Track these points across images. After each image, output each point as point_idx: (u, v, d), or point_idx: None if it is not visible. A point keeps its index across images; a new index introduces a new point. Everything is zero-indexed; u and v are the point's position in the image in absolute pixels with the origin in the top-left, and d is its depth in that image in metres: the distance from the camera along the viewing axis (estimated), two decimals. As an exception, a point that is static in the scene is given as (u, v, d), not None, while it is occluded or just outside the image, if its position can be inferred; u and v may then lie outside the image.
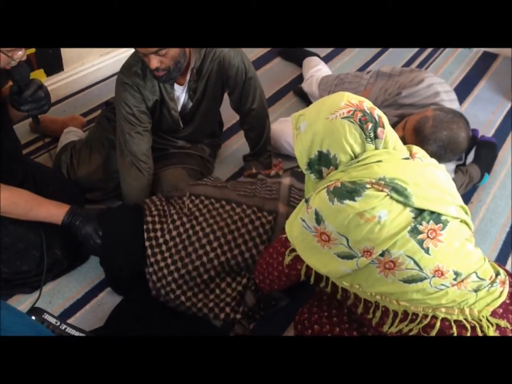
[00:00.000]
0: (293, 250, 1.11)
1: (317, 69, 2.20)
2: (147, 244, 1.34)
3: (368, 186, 0.97)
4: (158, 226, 1.36)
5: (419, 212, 0.98)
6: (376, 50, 2.61)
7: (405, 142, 1.43)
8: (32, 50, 1.97)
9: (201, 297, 1.34)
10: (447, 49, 2.64)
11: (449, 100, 1.60)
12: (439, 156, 1.40)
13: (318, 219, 1.00)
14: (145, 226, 1.36)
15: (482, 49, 2.64)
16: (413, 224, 0.96)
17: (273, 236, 1.33)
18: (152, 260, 1.32)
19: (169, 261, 1.32)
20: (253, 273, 1.33)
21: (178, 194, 1.45)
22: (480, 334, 0.99)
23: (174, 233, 1.34)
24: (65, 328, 1.28)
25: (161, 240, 1.34)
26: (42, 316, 1.30)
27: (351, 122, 0.99)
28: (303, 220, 1.04)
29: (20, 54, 1.19)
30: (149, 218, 1.37)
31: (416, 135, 1.40)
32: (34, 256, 1.39)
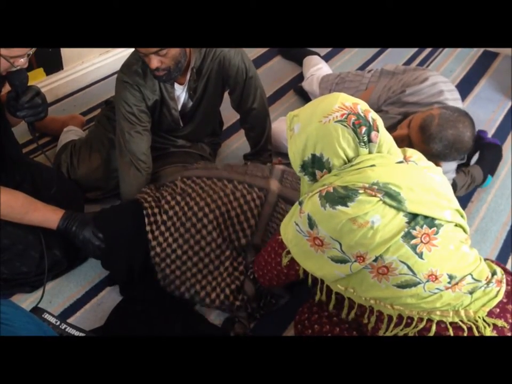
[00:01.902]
0: (290, 252, 1.10)
1: (317, 67, 2.20)
2: (148, 228, 1.36)
3: (360, 191, 0.97)
4: (156, 210, 1.38)
5: (412, 217, 0.97)
6: (377, 49, 2.60)
7: (410, 140, 1.43)
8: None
9: (206, 273, 1.35)
10: (447, 48, 2.63)
11: (453, 99, 1.60)
12: (444, 154, 1.39)
13: (311, 224, 1.00)
14: (144, 212, 1.38)
15: (482, 48, 2.63)
16: (406, 229, 0.96)
17: (263, 212, 1.37)
18: (154, 242, 1.35)
19: (170, 239, 1.34)
20: (251, 264, 1.34)
21: (169, 180, 1.48)
22: (477, 334, 0.99)
23: (171, 212, 1.36)
24: (65, 328, 1.28)
25: (159, 222, 1.36)
26: (43, 316, 1.30)
27: (345, 126, 0.99)
28: (297, 224, 1.04)
29: (22, 61, 1.18)
30: (146, 205, 1.40)
31: (422, 134, 1.40)
32: (33, 257, 1.39)
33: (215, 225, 1.34)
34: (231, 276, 1.35)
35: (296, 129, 1.05)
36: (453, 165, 1.58)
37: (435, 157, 1.39)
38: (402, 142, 1.45)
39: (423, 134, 1.40)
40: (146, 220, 1.36)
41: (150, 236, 1.35)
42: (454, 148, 1.39)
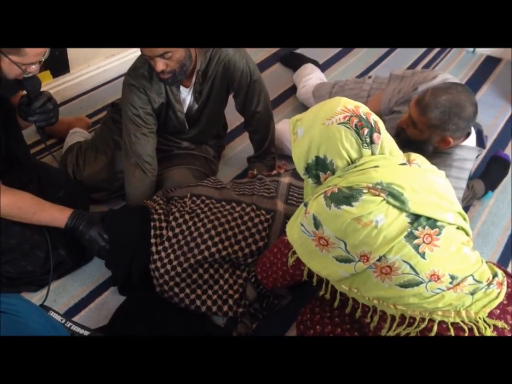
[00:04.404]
0: (295, 252, 1.12)
1: (308, 77, 2.21)
2: (153, 241, 1.36)
3: (365, 191, 0.98)
4: (164, 224, 1.39)
5: (415, 217, 0.99)
6: (378, 56, 2.62)
7: (412, 121, 1.44)
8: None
9: (206, 288, 1.36)
10: (450, 54, 2.65)
11: None
12: (445, 122, 1.38)
13: (316, 224, 1.02)
14: (152, 224, 1.38)
15: (485, 54, 2.65)
16: (409, 230, 0.98)
17: (271, 234, 1.37)
18: (156, 256, 1.35)
19: (172, 256, 1.34)
20: (253, 267, 1.35)
21: (178, 194, 1.48)
22: (477, 335, 1.00)
23: (177, 230, 1.36)
24: (71, 326, 1.29)
25: (164, 237, 1.36)
26: (48, 314, 1.31)
27: (347, 128, 1.01)
28: (302, 224, 1.05)
29: (34, 68, 1.21)
30: (156, 216, 1.40)
31: (418, 106, 1.41)
32: (39, 256, 1.41)
33: (220, 248, 1.34)
34: (233, 287, 1.36)
35: (299, 132, 1.07)
36: (472, 154, 1.53)
37: (438, 128, 1.39)
38: (407, 126, 1.46)
39: (419, 106, 1.41)
40: (152, 232, 1.37)
41: (153, 248, 1.36)
42: (452, 112, 1.37)
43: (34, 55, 1.17)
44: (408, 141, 1.45)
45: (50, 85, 2.10)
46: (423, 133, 1.43)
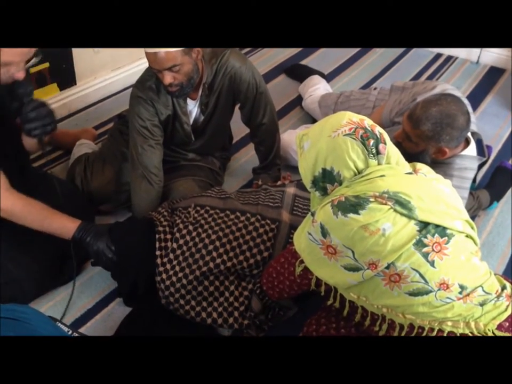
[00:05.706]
0: (303, 261, 1.12)
1: (315, 88, 2.23)
2: (158, 253, 1.37)
3: (371, 199, 0.99)
4: (168, 236, 1.39)
5: (423, 225, 0.99)
6: (382, 67, 2.64)
7: (406, 134, 1.45)
8: (46, 65, 2.02)
9: (211, 300, 1.36)
10: (454, 65, 2.67)
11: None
12: (438, 133, 1.39)
13: (324, 232, 1.02)
14: (157, 236, 1.38)
15: (489, 64, 2.66)
16: (417, 237, 0.98)
17: (276, 243, 1.37)
18: (161, 268, 1.35)
19: (177, 268, 1.34)
20: (258, 279, 1.35)
21: (183, 205, 1.48)
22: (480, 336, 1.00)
23: (181, 241, 1.37)
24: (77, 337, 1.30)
25: (169, 249, 1.37)
26: (55, 325, 1.31)
27: (353, 139, 1.02)
28: (310, 233, 1.06)
29: (20, 73, 1.16)
30: (161, 228, 1.40)
31: (410, 120, 1.43)
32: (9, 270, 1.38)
33: (225, 259, 1.34)
34: (238, 299, 1.36)
35: (306, 146, 1.08)
36: (473, 164, 1.53)
37: (431, 140, 1.40)
38: (403, 140, 1.48)
39: (411, 120, 1.42)
40: (157, 244, 1.37)
41: (158, 260, 1.36)
42: (444, 123, 1.39)
43: (13, 54, 1.11)
44: (405, 154, 1.47)
45: (57, 97, 2.13)
46: (418, 146, 1.44)
